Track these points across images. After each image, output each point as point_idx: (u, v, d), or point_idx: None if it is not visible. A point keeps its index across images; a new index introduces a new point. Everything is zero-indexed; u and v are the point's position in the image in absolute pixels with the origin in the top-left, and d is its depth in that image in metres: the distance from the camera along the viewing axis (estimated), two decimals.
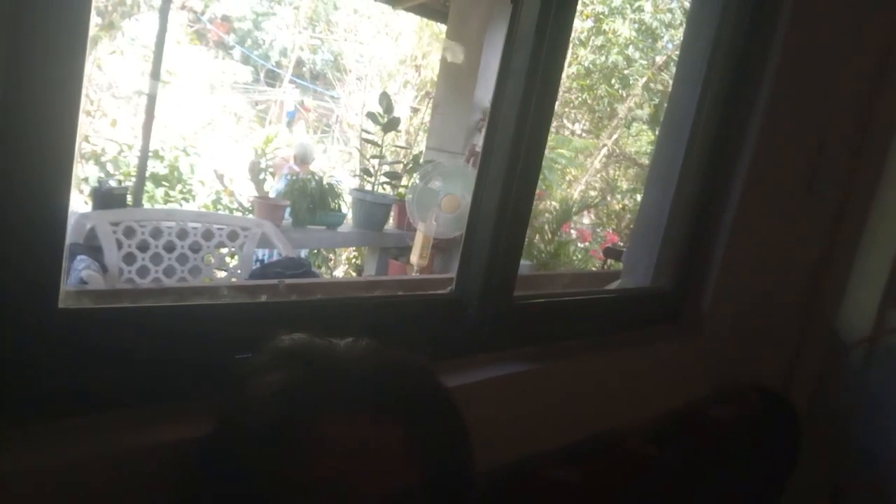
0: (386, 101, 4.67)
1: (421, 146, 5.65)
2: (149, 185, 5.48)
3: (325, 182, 4.42)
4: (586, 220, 7.78)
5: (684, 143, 1.56)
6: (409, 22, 7.71)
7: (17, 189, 0.68)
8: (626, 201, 7.44)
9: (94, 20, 5.54)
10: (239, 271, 3.70)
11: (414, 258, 4.13)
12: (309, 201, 4.15)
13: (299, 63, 9.77)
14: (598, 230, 7.44)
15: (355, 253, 5.77)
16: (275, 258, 3.96)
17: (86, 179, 5.48)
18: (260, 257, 4.27)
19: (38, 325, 0.72)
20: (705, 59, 1.53)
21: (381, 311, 1.06)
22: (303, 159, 5.42)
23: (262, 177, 5.47)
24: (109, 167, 5.65)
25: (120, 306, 0.80)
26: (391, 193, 4.76)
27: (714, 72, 1.53)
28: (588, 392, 1.32)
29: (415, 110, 7.49)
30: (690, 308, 1.63)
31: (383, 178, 4.73)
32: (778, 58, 1.52)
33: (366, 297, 1.08)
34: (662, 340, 1.54)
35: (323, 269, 5.71)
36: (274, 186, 5.19)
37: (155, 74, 3.91)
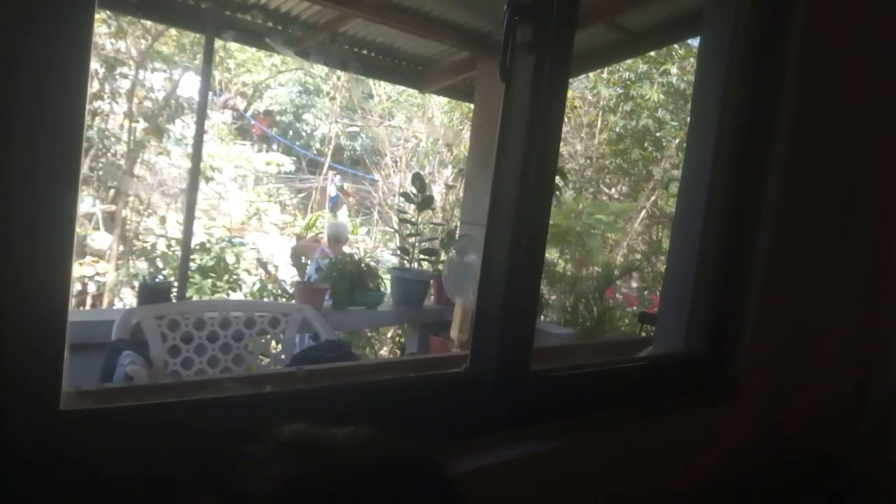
0: (419, 181, 4.78)
1: (458, 222, 5.72)
2: (197, 277, 5.64)
3: (362, 263, 4.48)
4: (634, 285, 7.65)
5: (703, 200, 1.53)
6: (440, 103, 7.96)
7: (17, 291, 0.70)
8: None
9: (142, 124, 5.92)
10: (283, 356, 3.72)
11: (454, 333, 4.09)
12: (347, 283, 4.19)
13: (339, 150, 10.13)
14: (645, 293, 7.29)
15: (399, 331, 5.76)
16: (315, 342, 3.97)
17: (136, 275, 5.68)
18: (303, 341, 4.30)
19: (38, 428, 0.74)
20: (715, 119, 1.51)
21: (391, 394, 1.04)
22: (336, 239, 5.45)
23: (303, 261, 5.57)
24: (159, 262, 5.86)
25: (121, 405, 0.81)
26: (430, 270, 4.79)
27: (724, 131, 1.51)
28: (616, 470, 1.26)
29: (450, 187, 7.62)
30: (725, 371, 1.56)
31: (420, 255, 4.78)
32: (788, 113, 1.50)
33: (377, 381, 1.07)
34: (697, 408, 1.46)
35: (367, 350, 5.71)
36: (307, 271, 5.24)
37: (194, 174, 4.10)
